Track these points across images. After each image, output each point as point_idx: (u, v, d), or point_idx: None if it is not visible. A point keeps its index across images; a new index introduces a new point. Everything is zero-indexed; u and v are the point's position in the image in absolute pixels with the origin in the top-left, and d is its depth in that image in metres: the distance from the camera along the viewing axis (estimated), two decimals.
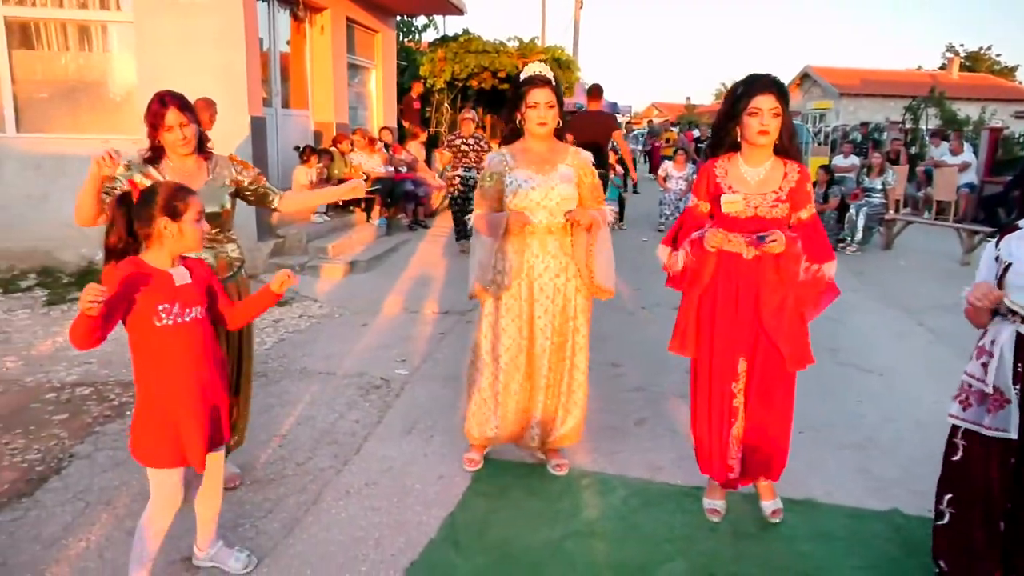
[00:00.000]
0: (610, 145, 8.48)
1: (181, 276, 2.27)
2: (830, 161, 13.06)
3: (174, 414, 2.23)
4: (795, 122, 3.05)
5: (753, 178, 2.73)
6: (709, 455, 2.93)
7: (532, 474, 3.34)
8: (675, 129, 21.55)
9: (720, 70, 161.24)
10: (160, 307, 2.19)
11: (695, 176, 11.20)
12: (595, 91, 8.08)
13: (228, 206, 2.96)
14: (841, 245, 9.44)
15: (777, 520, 2.94)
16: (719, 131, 2.81)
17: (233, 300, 2.86)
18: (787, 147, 2.74)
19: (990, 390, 2.26)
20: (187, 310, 2.24)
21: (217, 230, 2.92)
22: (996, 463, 2.28)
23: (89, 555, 2.65)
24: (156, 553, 2.36)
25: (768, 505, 2.98)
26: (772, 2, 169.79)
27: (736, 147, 2.78)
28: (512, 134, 3.20)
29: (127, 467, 3.25)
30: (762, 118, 2.62)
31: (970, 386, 2.34)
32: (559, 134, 3.18)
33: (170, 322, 2.20)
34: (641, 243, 9.77)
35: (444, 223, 10.61)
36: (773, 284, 2.71)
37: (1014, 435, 2.21)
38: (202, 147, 2.94)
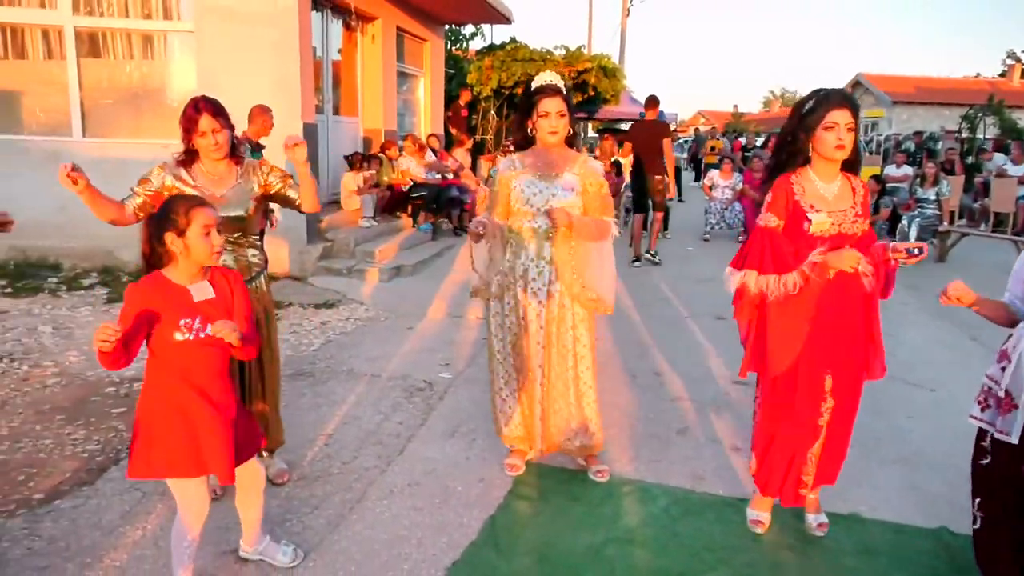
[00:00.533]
0: None
1: (202, 291, 2.25)
2: (882, 171, 12.78)
3: (192, 425, 2.21)
4: None
5: (829, 194, 2.68)
6: (783, 476, 2.83)
7: (573, 480, 3.37)
8: (722, 138, 21.29)
9: (769, 77, 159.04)
10: (181, 322, 2.18)
11: (741, 185, 11.00)
12: (652, 101, 8.57)
13: (252, 210, 3.02)
14: None
15: (822, 534, 2.91)
16: (789, 144, 2.72)
17: (252, 304, 2.75)
18: (853, 161, 2.70)
19: (1002, 393, 2.29)
20: (208, 325, 2.19)
21: (239, 234, 2.99)
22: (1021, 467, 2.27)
23: (145, 543, 2.76)
24: (195, 555, 2.40)
25: (813, 518, 2.95)
26: (823, 8, 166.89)
27: (801, 162, 2.72)
28: (525, 141, 3.26)
29: None
30: (839, 132, 2.57)
31: (989, 388, 2.38)
32: (570, 141, 3.22)
33: (190, 337, 2.18)
34: (686, 252, 9.71)
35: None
36: (865, 295, 2.67)
37: (1015, 440, 2.24)
38: (234, 152, 3.02)
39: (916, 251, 2.51)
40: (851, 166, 2.72)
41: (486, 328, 3.38)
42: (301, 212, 3.20)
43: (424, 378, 4.65)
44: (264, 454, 3.16)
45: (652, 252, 8.70)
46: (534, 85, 3.17)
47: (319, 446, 3.64)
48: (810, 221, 2.62)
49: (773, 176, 2.76)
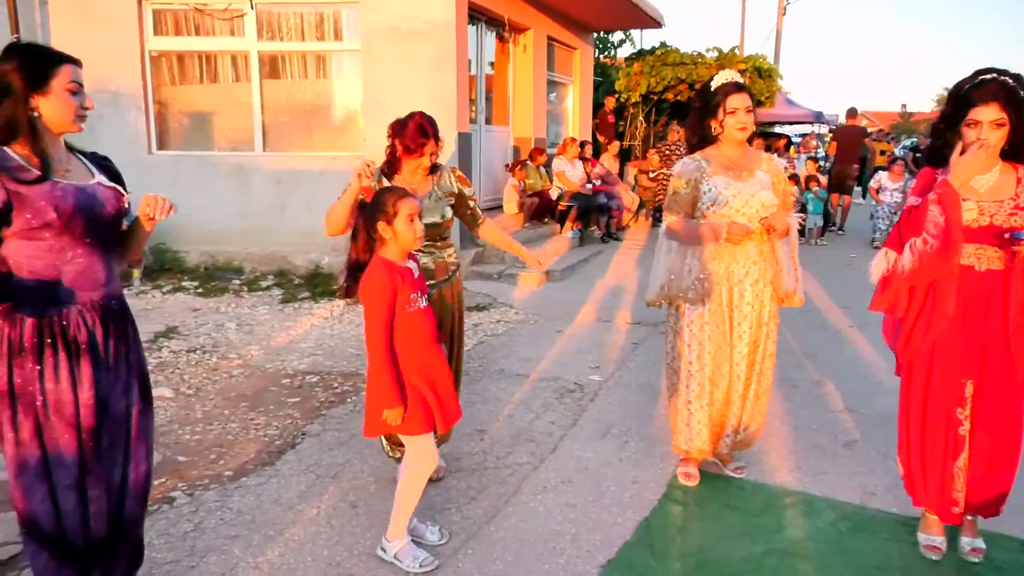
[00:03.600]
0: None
1: (415, 269, 2.62)
2: None
3: (423, 386, 2.53)
4: None
5: (982, 185, 2.49)
6: (924, 486, 2.68)
7: (729, 487, 3.26)
8: (895, 142, 19.80)
9: (942, 72, 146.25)
10: (412, 295, 2.53)
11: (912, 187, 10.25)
12: (851, 112, 12.22)
13: (449, 216, 3.16)
14: None
15: (976, 560, 2.65)
16: (936, 139, 2.59)
17: (449, 301, 3.21)
18: (1019, 150, 2.47)
19: None
20: (424, 296, 2.61)
21: (437, 238, 3.14)
22: None
23: (319, 520, 2.97)
24: (414, 511, 2.69)
25: (968, 542, 2.70)
26: None
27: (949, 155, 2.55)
28: (701, 142, 3.18)
29: (350, 447, 3.61)
30: (981, 131, 2.39)
31: None
32: (748, 140, 3.18)
33: (416, 308, 2.54)
34: (850, 259, 9.14)
35: (635, 236, 10.59)
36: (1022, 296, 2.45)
37: None
38: (435, 165, 3.17)
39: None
40: (1016, 155, 2.48)
41: (676, 339, 3.23)
42: (475, 232, 3.35)
43: (574, 380, 4.68)
44: None
45: (842, 225, 11.66)
46: (714, 84, 3.10)
47: (475, 440, 3.75)
48: None
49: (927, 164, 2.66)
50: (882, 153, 15.66)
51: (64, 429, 2.03)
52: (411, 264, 2.60)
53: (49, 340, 2.00)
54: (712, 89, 3.10)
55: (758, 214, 3.04)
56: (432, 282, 3.08)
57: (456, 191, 3.21)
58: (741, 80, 3.11)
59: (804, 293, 3.27)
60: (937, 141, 2.59)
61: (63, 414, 2.03)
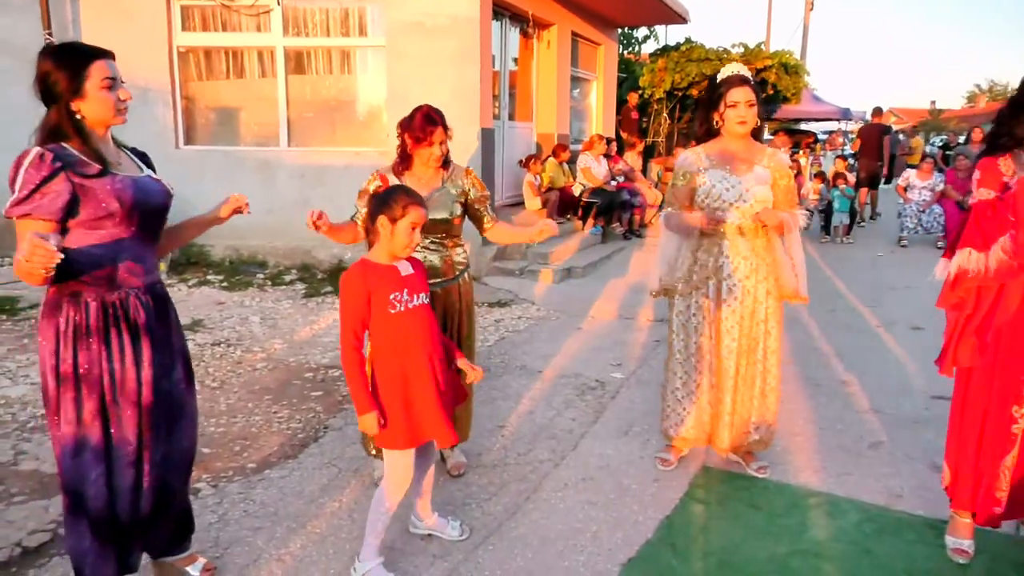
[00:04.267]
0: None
1: (405, 268, 2.48)
2: None
3: (409, 397, 2.40)
4: None
5: None
6: (974, 486, 2.61)
7: (753, 486, 3.23)
8: (935, 143, 19.46)
9: (974, 69, 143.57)
10: (391, 296, 2.39)
11: (942, 186, 10.15)
12: (877, 111, 12.61)
13: (458, 214, 3.12)
14: None
15: None
16: (1003, 125, 2.53)
17: (455, 301, 3.11)
18: None
19: None
20: (414, 296, 2.45)
21: (444, 235, 3.10)
22: None
23: (341, 514, 2.99)
24: (389, 524, 2.57)
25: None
26: None
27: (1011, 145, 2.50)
28: (707, 135, 3.18)
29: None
30: None
31: None
32: (755, 134, 3.16)
33: (402, 308, 2.41)
34: (876, 258, 9.01)
35: (657, 233, 10.51)
36: None
37: None
38: (446, 159, 3.17)
39: None
40: None
41: (668, 327, 3.33)
42: (482, 235, 3.25)
43: (596, 377, 4.66)
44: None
45: (873, 214, 12.26)
46: (720, 76, 3.11)
47: (495, 437, 3.76)
48: None
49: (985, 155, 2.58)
50: (911, 152, 15.45)
51: (127, 407, 2.15)
52: (401, 264, 2.48)
53: (113, 322, 2.11)
54: (717, 81, 3.10)
55: (752, 208, 3.05)
56: (438, 280, 3.05)
57: (466, 191, 3.16)
58: (747, 74, 3.08)
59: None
60: (1005, 127, 2.52)
61: (127, 392, 2.14)
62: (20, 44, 6.98)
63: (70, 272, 2.03)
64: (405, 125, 3.07)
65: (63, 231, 2.05)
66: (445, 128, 3.04)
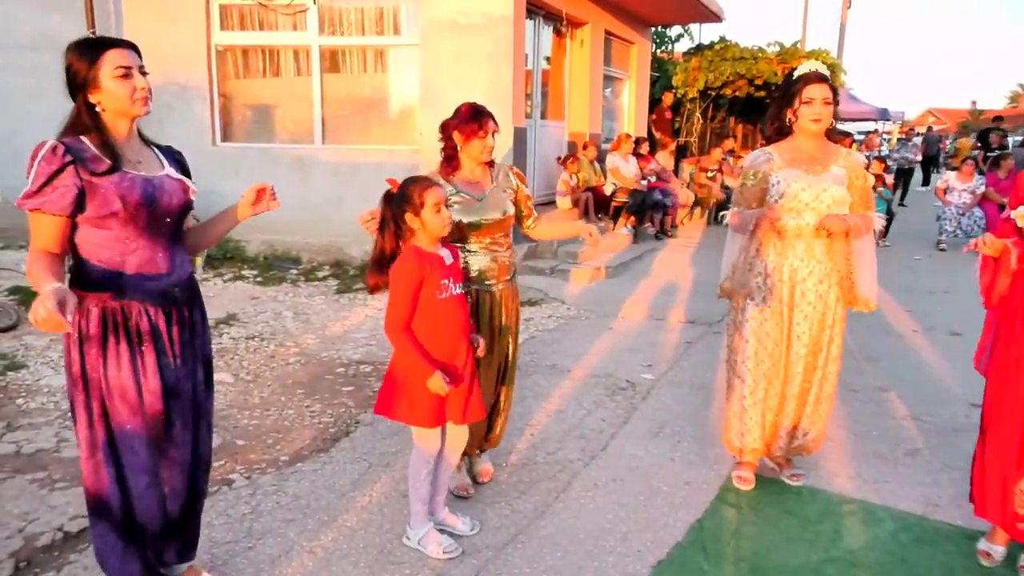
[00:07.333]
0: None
1: (448, 257, 2.61)
2: None
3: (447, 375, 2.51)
4: None
5: None
6: (1004, 497, 2.56)
7: (785, 491, 3.19)
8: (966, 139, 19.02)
9: (1019, 67, 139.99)
10: (443, 282, 2.52)
11: (983, 188, 9.98)
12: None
13: (511, 212, 3.04)
14: None
15: None
16: None
17: (511, 300, 3.10)
18: None
19: None
20: (456, 284, 2.59)
21: (501, 234, 3.02)
22: None
23: (372, 508, 3.01)
24: (429, 493, 2.70)
25: None
26: None
27: None
28: (777, 133, 3.08)
29: (402, 436, 3.64)
30: None
31: None
32: (828, 134, 3.05)
33: (447, 296, 2.54)
34: (914, 261, 8.84)
35: (689, 233, 10.45)
36: None
37: None
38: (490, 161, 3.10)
39: None
40: None
41: (729, 331, 3.20)
42: (523, 232, 3.20)
43: (626, 377, 4.64)
44: (478, 452, 3.24)
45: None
46: (797, 73, 3.01)
47: (525, 435, 3.76)
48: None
49: None
50: (956, 154, 15.17)
51: (129, 415, 2.10)
52: (444, 252, 2.59)
53: (112, 330, 2.07)
54: (794, 78, 3.01)
55: (829, 209, 2.93)
56: (505, 279, 3.02)
57: (515, 187, 3.11)
58: (825, 71, 2.98)
59: (868, 291, 3.15)
60: None
61: (127, 400, 2.09)
62: (66, 40, 7.13)
63: (80, 275, 2.04)
64: (451, 123, 2.95)
65: (73, 226, 2.03)
66: (493, 119, 2.97)
